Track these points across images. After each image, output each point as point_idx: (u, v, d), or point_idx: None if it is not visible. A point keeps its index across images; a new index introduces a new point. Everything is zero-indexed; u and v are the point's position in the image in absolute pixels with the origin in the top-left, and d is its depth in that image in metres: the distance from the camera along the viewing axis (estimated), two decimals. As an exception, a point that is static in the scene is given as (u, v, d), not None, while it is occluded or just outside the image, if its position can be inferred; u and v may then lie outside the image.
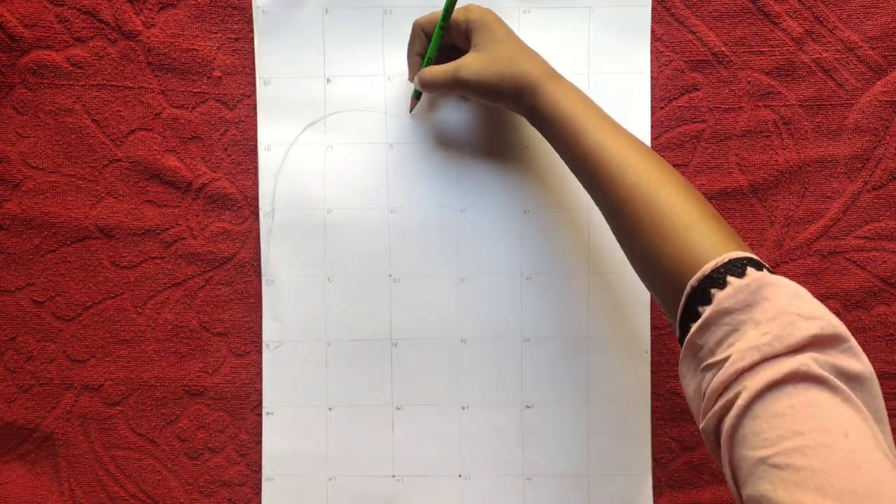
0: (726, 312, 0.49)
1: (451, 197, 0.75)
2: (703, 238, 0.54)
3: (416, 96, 0.73)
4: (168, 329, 0.75)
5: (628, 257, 0.60)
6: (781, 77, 0.73)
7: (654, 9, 0.73)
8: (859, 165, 0.74)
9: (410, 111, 0.74)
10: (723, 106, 0.74)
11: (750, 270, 0.50)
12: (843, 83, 0.73)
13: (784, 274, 0.74)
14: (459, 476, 0.76)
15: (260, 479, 0.76)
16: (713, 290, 0.51)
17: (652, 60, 0.74)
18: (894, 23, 0.73)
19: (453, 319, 0.75)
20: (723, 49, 0.73)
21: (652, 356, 0.75)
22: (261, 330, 0.75)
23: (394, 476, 0.76)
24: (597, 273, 0.75)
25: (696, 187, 0.74)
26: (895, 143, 0.73)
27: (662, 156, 0.74)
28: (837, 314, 0.74)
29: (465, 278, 0.75)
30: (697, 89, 0.74)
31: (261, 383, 0.75)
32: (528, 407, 0.75)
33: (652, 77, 0.74)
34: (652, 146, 0.74)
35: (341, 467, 0.75)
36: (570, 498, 0.75)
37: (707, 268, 0.52)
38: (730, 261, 0.51)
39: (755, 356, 0.46)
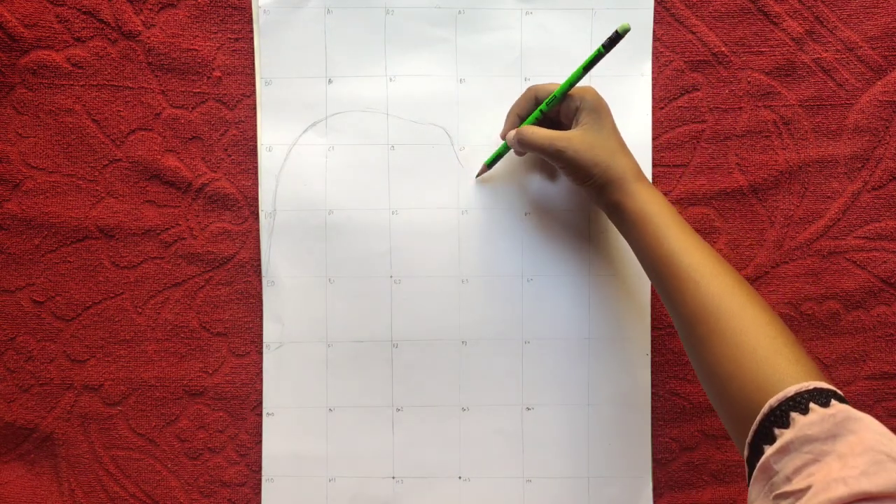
0: (808, 440, 0.48)
1: (453, 198, 0.75)
2: (790, 363, 0.53)
3: (490, 164, 0.74)
4: (168, 329, 0.75)
5: (696, 365, 0.59)
6: (781, 77, 0.74)
7: (654, 9, 0.74)
8: (859, 165, 0.74)
9: (477, 175, 0.75)
10: (723, 106, 0.74)
11: (834, 402, 0.49)
12: (843, 83, 0.74)
13: (784, 274, 0.75)
14: (459, 478, 0.75)
15: (260, 480, 0.75)
16: (794, 414, 0.49)
17: (652, 60, 0.74)
18: (894, 23, 0.73)
19: (454, 321, 0.75)
20: (723, 49, 0.74)
21: (652, 358, 0.75)
22: (261, 330, 0.75)
23: (394, 477, 0.75)
24: (597, 275, 0.75)
25: (696, 187, 0.74)
26: (895, 143, 0.74)
27: (661, 156, 0.74)
28: (837, 314, 0.75)
29: (465, 280, 0.75)
30: (697, 89, 0.74)
31: (261, 384, 0.75)
32: (528, 409, 0.75)
33: (652, 77, 0.74)
34: (652, 146, 0.74)
35: (341, 468, 0.75)
36: (571, 500, 0.75)
37: (790, 390, 0.50)
38: (815, 388, 0.50)
39: (841, 490, 0.44)
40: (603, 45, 0.64)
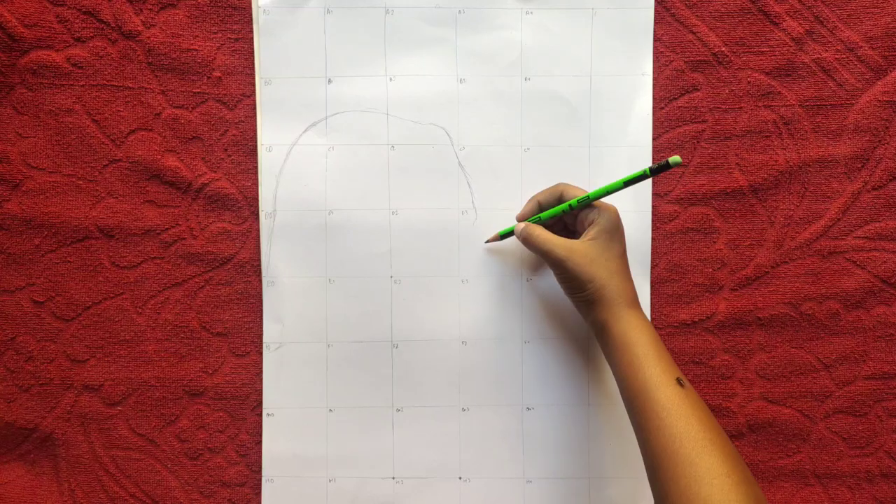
0: None
1: (453, 198, 0.75)
2: None
3: (504, 235, 0.74)
4: (168, 329, 0.75)
5: (655, 498, 0.59)
6: (781, 77, 0.74)
7: (654, 9, 0.74)
8: (859, 165, 0.74)
9: (487, 241, 0.75)
10: (723, 106, 0.74)
11: None
12: (843, 83, 0.74)
13: (784, 274, 0.75)
14: (459, 478, 0.75)
15: (260, 480, 0.75)
16: None
17: (652, 60, 0.74)
18: (894, 23, 0.73)
19: (454, 321, 0.75)
20: (723, 49, 0.74)
21: (652, 357, 0.75)
22: (261, 330, 0.75)
23: (394, 478, 0.75)
24: (597, 274, 0.75)
25: (696, 187, 0.74)
26: (895, 143, 0.74)
27: (661, 156, 0.74)
28: (837, 314, 0.74)
29: (465, 280, 0.75)
30: (697, 89, 0.74)
31: (261, 384, 0.75)
32: (528, 409, 0.75)
33: (652, 77, 0.74)
34: (652, 146, 0.74)
35: (341, 469, 0.75)
36: (571, 501, 0.75)
37: None
38: None
39: None
40: (650, 169, 0.64)
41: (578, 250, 0.65)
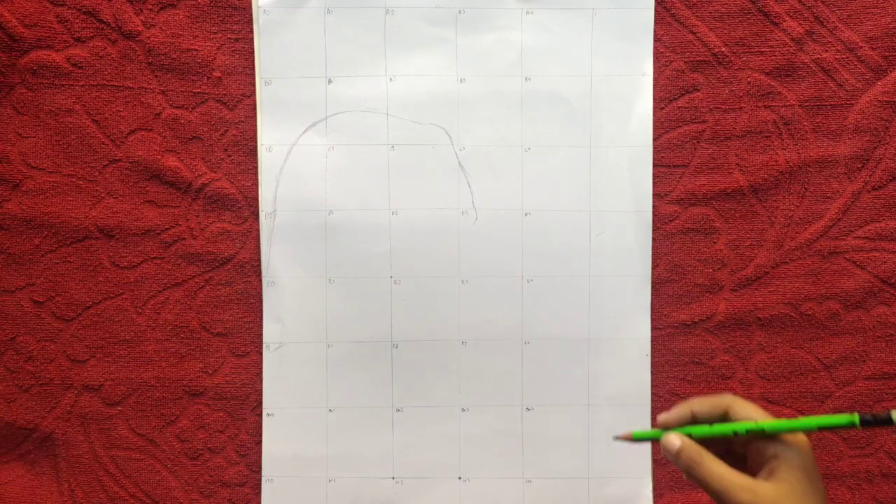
0: None
1: (453, 198, 0.75)
2: None
3: (636, 439, 0.57)
4: (168, 329, 0.75)
5: None
6: (781, 77, 0.74)
7: (654, 9, 0.74)
8: (859, 165, 0.74)
9: (616, 437, 0.57)
10: (723, 106, 0.74)
11: None
12: (843, 83, 0.74)
13: (784, 274, 0.75)
14: (459, 478, 0.75)
15: (260, 480, 0.75)
16: None
17: (652, 61, 0.74)
18: (894, 23, 0.73)
19: (454, 321, 0.75)
20: (723, 49, 0.74)
21: (652, 358, 0.75)
22: (261, 330, 0.75)
23: (394, 478, 0.75)
24: (597, 275, 0.75)
25: (697, 188, 0.74)
26: (895, 143, 0.74)
27: (661, 156, 0.74)
28: (837, 314, 0.75)
29: (465, 280, 0.75)
30: (697, 89, 0.74)
31: (261, 384, 0.75)
32: (528, 409, 0.75)
33: (652, 77, 0.74)
34: (652, 147, 0.74)
35: (341, 469, 0.75)
36: (570, 501, 0.75)
37: None
38: None
39: None
40: (861, 420, 0.51)
41: (766, 497, 0.48)
